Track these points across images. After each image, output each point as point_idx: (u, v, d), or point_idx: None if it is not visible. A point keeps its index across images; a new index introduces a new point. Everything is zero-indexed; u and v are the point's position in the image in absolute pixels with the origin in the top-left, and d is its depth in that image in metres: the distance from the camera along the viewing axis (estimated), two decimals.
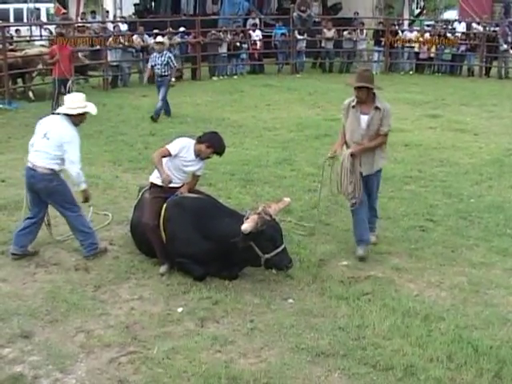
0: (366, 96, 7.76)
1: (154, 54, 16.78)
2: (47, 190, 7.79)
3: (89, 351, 5.91)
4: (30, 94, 19.45)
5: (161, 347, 5.92)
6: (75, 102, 7.86)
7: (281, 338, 6.13)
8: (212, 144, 7.64)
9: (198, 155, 7.64)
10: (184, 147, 7.63)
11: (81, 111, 7.77)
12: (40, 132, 7.79)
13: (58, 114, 7.90)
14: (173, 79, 16.75)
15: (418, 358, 5.77)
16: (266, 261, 7.06)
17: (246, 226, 6.84)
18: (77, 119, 7.80)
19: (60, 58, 16.52)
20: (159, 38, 17.62)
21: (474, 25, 27.00)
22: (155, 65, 16.49)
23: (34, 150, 7.76)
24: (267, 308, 6.71)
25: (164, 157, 7.60)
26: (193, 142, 7.68)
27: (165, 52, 16.68)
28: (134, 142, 13.91)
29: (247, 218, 6.99)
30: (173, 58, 16.89)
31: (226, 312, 6.61)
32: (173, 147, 7.62)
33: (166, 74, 16.47)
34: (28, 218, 8.03)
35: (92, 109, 7.90)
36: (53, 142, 7.64)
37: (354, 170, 7.75)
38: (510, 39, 25.80)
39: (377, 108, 7.73)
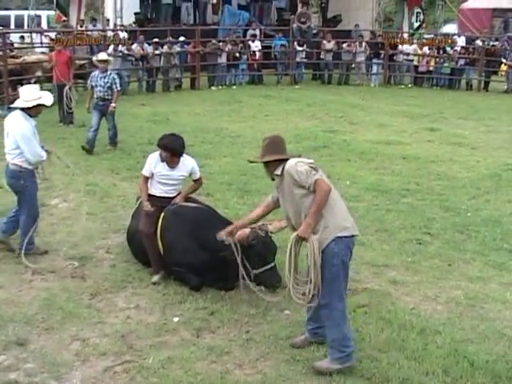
0: (267, 170, 6.00)
1: (96, 72, 13.81)
2: (15, 187, 8.11)
3: (84, 359, 5.90)
4: None
5: (156, 357, 5.91)
6: (29, 94, 7.92)
7: (276, 349, 6.12)
8: (158, 144, 7.64)
9: (164, 161, 7.63)
10: (151, 163, 7.68)
11: (35, 103, 7.84)
12: (4, 131, 7.98)
13: (16, 108, 8.00)
14: (113, 104, 13.68)
15: (413, 371, 5.76)
16: (255, 276, 6.98)
17: (221, 234, 6.74)
18: (33, 111, 7.91)
19: (56, 64, 16.54)
20: (102, 55, 14.24)
21: (479, 42, 27.04)
22: (96, 86, 13.59)
23: (5, 149, 8.00)
24: (263, 319, 6.71)
25: (146, 180, 7.77)
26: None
27: (109, 72, 13.82)
28: (132, 150, 13.91)
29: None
30: (118, 79, 13.99)
31: (222, 322, 6.61)
32: (144, 169, 7.77)
33: (110, 97, 13.63)
34: (16, 211, 8.30)
35: (46, 100, 7.99)
36: (11, 138, 7.84)
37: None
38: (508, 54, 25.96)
39: (276, 175, 5.86)
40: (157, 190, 7.73)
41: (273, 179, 5.97)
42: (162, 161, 7.59)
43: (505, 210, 10.38)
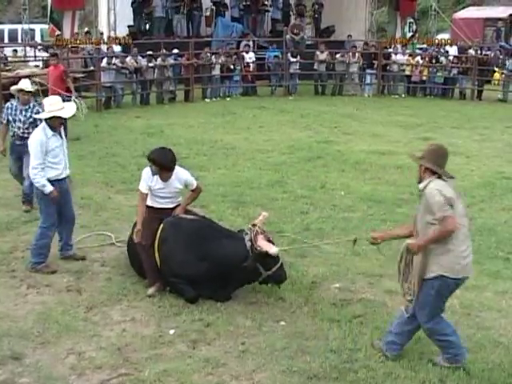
0: (418, 173, 6.03)
1: (14, 103, 10.62)
2: (36, 195, 8.38)
3: (80, 373, 5.88)
4: None
5: (152, 369, 5.90)
6: (49, 105, 8.10)
7: (272, 360, 6.12)
8: (148, 158, 7.66)
9: (155, 174, 7.62)
10: (146, 178, 7.67)
11: (50, 115, 7.97)
12: None
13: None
14: None
15: (410, 381, 5.76)
16: (267, 277, 7.22)
17: (275, 250, 7.03)
18: (52, 123, 8.03)
19: (50, 79, 16.52)
20: (24, 84, 10.68)
21: (471, 51, 27.21)
22: (14, 121, 10.40)
23: None
24: (259, 330, 6.70)
25: (145, 198, 7.73)
26: None
27: (32, 104, 10.58)
28: (126, 163, 13.90)
29: (250, 240, 7.14)
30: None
31: (218, 334, 6.60)
32: (141, 185, 7.73)
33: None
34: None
35: (64, 112, 8.11)
36: None
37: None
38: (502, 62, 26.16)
39: (420, 188, 5.98)
40: (155, 202, 7.73)
41: (418, 182, 6.01)
42: (154, 174, 7.59)
43: (499, 219, 10.41)
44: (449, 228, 5.64)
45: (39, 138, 7.95)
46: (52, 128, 8.03)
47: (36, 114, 10.15)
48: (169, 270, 7.40)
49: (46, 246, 8.21)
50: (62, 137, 8.25)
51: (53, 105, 8.10)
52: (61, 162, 8.17)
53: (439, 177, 5.84)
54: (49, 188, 7.96)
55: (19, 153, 10.38)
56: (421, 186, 5.89)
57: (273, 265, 7.16)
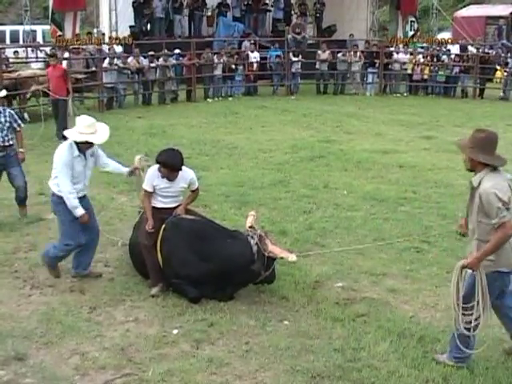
0: (468, 162, 6.10)
1: None
2: (53, 210, 8.01)
3: (84, 374, 5.88)
4: (26, 115, 19.43)
5: (156, 369, 5.90)
6: (84, 127, 7.55)
7: (276, 359, 6.11)
8: (157, 160, 7.63)
9: (164, 177, 7.61)
10: (151, 177, 7.66)
11: (81, 139, 7.52)
12: None
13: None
14: (21, 150, 9.98)
15: (413, 379, 5.76)
16: (264, 278, 7.26)
17: (295, 257, 7.14)
18: (81, 146, 7.60)
19: (50, 79, 16.51)
20: None
21: (473, 49, 27.20)
22: None
23: None
24: (262, 330, 6.70)
25: (149, 196, 7.70)
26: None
27: (2, 108, 9.88)
28: (129, 163, 13.84)
29: (257, 244, 7.16)
30: (16, 115, 10.07)
31: (222, 334, 6.60)
32: (145, 184, 7.72)
33: (12, 142, 9.84)
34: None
35: (96, 138, 7.60)
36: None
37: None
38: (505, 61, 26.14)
39: (471, 184, 5.90)
40: (157, 202, 7.72)
41: (468, 170, 5.99)
42: (163, 177, 7.59)
43: None
44: (509, 233, 5.55)
45: (65, 158, 7.52)
46: (79, 149, 7.62)
47: (9, 117, 9.73)
48: (170, 270, 7.40)
49: (57, 258, 7.96)
50: (86, 158, 7.76)
51: (86, 127, 7.54)
52: (80, 182, 7.77)
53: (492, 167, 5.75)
54: (80, 211, 7.61)
55: (1, 165, 9.96)
56: (474, 181, 5.77)
57: (271, 266, 7.21)
